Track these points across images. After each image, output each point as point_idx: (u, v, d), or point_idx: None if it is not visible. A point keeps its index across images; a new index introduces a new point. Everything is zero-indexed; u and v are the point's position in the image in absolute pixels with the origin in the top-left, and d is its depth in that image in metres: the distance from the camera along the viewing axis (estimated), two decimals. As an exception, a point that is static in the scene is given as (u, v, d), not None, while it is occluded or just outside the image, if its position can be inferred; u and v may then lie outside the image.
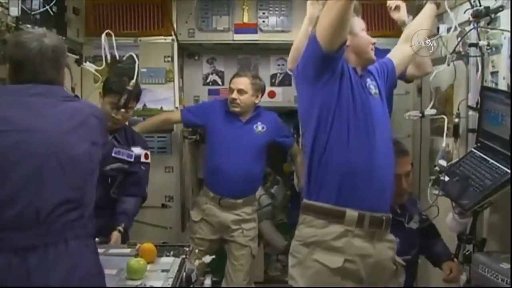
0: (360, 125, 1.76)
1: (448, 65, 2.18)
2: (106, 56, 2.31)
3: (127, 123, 2.60)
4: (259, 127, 2.91)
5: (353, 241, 1.74)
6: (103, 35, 2.27)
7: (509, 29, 1.89)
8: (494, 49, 2.05)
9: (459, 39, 2.16)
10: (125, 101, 2.32)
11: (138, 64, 2.36)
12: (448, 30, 2.23)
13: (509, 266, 1.66)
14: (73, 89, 2.63)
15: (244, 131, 2.87)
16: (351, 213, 1.72)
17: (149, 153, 2.59)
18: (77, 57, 2.35)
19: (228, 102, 2.88)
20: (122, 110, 2.39)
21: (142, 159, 2.53)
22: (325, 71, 1.72)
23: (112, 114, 2.38)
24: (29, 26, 2.00)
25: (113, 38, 2.31)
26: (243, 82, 2.84)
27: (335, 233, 1.72)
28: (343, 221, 1.72)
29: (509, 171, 1.74)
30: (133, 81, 2.32)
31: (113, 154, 2.41)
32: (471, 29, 2.10)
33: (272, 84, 3.51)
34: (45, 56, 1.45)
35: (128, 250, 1.97)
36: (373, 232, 1.76)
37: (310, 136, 1.79)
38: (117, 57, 2.34)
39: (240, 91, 2.84)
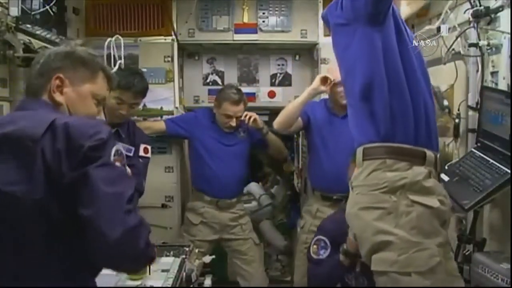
0: (420, 65, 1.69)
1: (445, 64, 2.18)
2: (111, 58, 2.31)
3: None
4: (241, 132, 3.04)
5: (437, 182, 1.64)
6: (113, 39, 2.26)
7: (509, 29, 1.89)
8: (494, 49, 2.05)
9: (457, 39, 2.17)
10: None
11: (120, 63, 2.34)
12: (448, 30, 2.24)
13: (509, 266, 1.66)
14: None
15: (230, 138, 3.02)
16: (430, 153, 1.62)
17: (149, 147, 2.62)
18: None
19: (218, 120, 2.97)
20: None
21: (142, 154, 2.57)
22: (382, 9, 1.59)
23: (120, 111, 2.41)
24: (29, 26, 2.00)
25: (122, 40, 2.32)
26: (241, 109, 2.94)
27: (423, 173, 1.59)
28: (424, 162, 1.60)
29: (509, 171, 1.74)
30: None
31: None
32: (467, 29, 2.10)
33: (272, 84, 3.51)
34: (36, 64, 1.29)
35: (128, 250, 1.97)
36: (439, 173, 1.69)
37: (360, 77, 1.64)
38: (117, 58, 2.34)
39: (238, 117, 2.94)
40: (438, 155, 1.66)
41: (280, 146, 3.15)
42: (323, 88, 2.65)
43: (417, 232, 1.52)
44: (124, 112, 2.43)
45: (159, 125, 2.99)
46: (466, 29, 2.13)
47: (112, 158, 1.14)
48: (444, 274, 1.52)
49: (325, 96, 2.87)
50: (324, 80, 2.61)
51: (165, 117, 3.07)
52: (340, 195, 2.67)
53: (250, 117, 2.91)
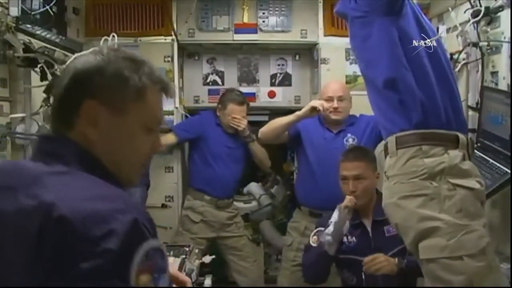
0: (440, 47, 1.68)
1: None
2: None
3: None
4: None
5: (471, 163, 1.63)
6: (110, 38, 2.24)
7: (509, 29, 1.89)
8: (494, 49, 2.05)
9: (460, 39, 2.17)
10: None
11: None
12: (448, 30, 2.24)
13: (509, 266, 1.66)
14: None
15: (233, 141, 3.09)
16: (461, 136, 1.60)
17: None
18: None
19: (222, 121, 3.05)
20: None
21: None
22: None
23: None
24: (29, 26, 2.00)
25: (116, 39, 2.30)
26: (245, 110, 3.04)
27: (459, 156, 1.56)
28: (458, 145, 1.58)
29: (509, 171, 1.74)
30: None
31: None
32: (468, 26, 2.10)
33: (272, 84, 3.50)
34: (58, 87, 0.91)
35: (128, 250, 1.97)
36: (470, 155, 1.66)
37: (383, 68, 1.62)
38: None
39: (244, 117, 3.04)
40: (469, 137, 1.65)
41: (263, 159, 3.19)
42: (312, 115, 2.65)
43: (462, 215, 1.50)
44: None
45: (170, 138, 3.01)
46: (467, 27, 2.13)
47: (131, 275, 0.73)
48: (493, 254, 1.52)
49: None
50: (314, 109, 2.61)
51: (167, 120, 3.08)
52: (330, 213, 2.68)
53: (239, 122, 2.98)
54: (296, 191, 2.96)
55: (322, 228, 2.29)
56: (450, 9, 2.21)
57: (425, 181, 1.55)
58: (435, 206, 1.52)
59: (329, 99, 2.72)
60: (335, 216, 2.14)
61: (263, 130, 2.81)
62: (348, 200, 2.18)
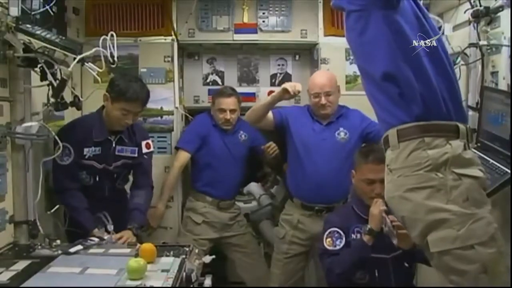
0: (438, 42, 1.66)
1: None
2: (107, 57, 2.27)
3: None
4: (242, 136, 3.12)
5: (473, 153, 1.63)
6: (108, 37, 2.22)
7: (509, 29, 1.89)
8: (494, 49, 2.05)
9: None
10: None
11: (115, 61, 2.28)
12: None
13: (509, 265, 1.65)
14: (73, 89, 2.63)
15: (232, 141, 3.09)
16: (461, 126, 1.60)
17: (150, 142, 2.67)
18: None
19: (216, 119, 3.05)
20: None
21: (144, 150, 2.62)
22: None
23: (126, 121, 2.40)
24: (29, 26, 2.00)
25: (115, 38, 2.27)
26: (233, 102, 3.01)
27: (461, 146, 1.57)
28: (459, 135, 1.59)
29: (509, 171, 1.74)
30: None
31: (116, 153, 2.51)
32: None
33: (272, 84, 3.51)
34: None
35: (128, 250, 1.98)
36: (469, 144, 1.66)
37: (381, 62, 1.61)
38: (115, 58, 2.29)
39: (232, 111, 3.01)
40: (468, 127, 1.65)
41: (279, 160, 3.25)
42: (286, 97, 2.62)
43: (469, 204, 1.51)
44: (130, 121, 2.44)
45: (183, 157, 3.03)
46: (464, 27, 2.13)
47: None
48: (502, 240, 1.52)
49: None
50: (287, 91, 2.59)
51: (167, 120, 3.09)
52: (322, 206, 2.70)
53: (271, 149, 3.04)
54: (287, 182, 2.96)
55: (335, 229, 2.26)
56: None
57: (430, 173, 1.55)
58: (442, 197, 1.52)
59: (317, 95, 2.72)
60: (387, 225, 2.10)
61: (247, 113, 2.80)
62: (382, 203, 2.14)
